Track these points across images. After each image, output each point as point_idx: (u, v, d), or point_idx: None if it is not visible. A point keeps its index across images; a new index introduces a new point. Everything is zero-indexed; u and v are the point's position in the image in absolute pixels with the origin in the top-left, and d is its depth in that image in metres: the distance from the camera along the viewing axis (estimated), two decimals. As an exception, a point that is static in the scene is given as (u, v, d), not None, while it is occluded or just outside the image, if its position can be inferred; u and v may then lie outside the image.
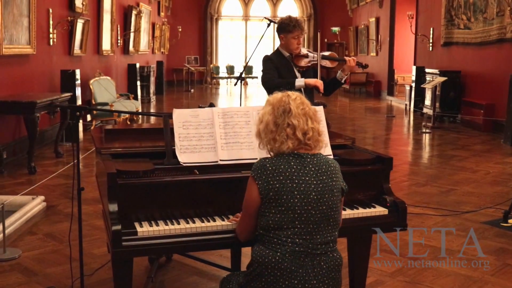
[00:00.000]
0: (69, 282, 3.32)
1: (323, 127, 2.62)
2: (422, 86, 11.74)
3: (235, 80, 5.35)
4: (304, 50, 3.82)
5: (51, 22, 8.13)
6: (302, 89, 3.74)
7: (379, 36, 17.99)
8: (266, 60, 3.82)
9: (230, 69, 22.94)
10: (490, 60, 10.20)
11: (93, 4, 10.42)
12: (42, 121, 6.69)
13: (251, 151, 2.57)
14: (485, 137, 9.27)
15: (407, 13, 13.91)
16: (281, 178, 1.98)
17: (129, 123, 10.26)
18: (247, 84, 22.67)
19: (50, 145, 7.87)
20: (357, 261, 2.83)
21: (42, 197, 4.94)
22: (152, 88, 15.13)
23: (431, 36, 13.20)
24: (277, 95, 2.12)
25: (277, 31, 3.85)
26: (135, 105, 10.77)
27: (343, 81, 3.90)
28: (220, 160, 2.54)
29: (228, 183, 2.44)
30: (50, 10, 8.10)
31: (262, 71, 3.87)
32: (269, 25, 4.99)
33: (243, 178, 2.44)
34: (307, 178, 2.00)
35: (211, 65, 22.89)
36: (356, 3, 20.81)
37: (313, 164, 2.04)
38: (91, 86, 9.54)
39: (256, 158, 2.57)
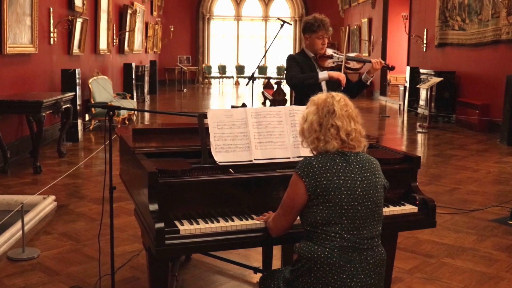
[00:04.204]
0: (92, 281, 3.36)
1: None
2: (418, 86, 11.85)
3: (247, 80, 5.40)
4: (329, 51, 3.83)
5: (51, 21, 8.09)
6: (325, 84, 3.75)
7: (372, 36, 18.13)
8: (290, 59, 3.86)
9: (222, 69, 22.96)
10: (485, 61, 10.36)
11: (91, 3, 10.37)
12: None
13: (284, 150, 2.62)
14: (481, 137, 9.41)
15: (401, 14, 14.04)
16: (328, 175, 2.03)
17: (127, 122, 10.23)
18: (238, 84, 22.69)
19: (51, 144, 7.84)
20: (384, 258, 2.88)
21: (53, 197, 4.93)
22: (146, 88, 15.09)
23: (425, 37, 13.35)
24: (322, 95, 2.17)
25: (302, 31, 3.89)
26: (132, 104, 10.75)
27: (368, 83, 3.90)
28: (254, 159, 2.58)
29: (264, 181, 2.48)
30: (51, 9, 8.05)
31: (286, 69, 3.90)
32: (282, 26, 5.03)
33: (278, 177, 2.49)
34: (352, 175, 2.06)
35: (203, 65, 22.87)
36: (348, 4, 20.94)
37: (357, 161, 2.09)
38: (90, 86, 9.50)
39: (289, 158, 2.63)
